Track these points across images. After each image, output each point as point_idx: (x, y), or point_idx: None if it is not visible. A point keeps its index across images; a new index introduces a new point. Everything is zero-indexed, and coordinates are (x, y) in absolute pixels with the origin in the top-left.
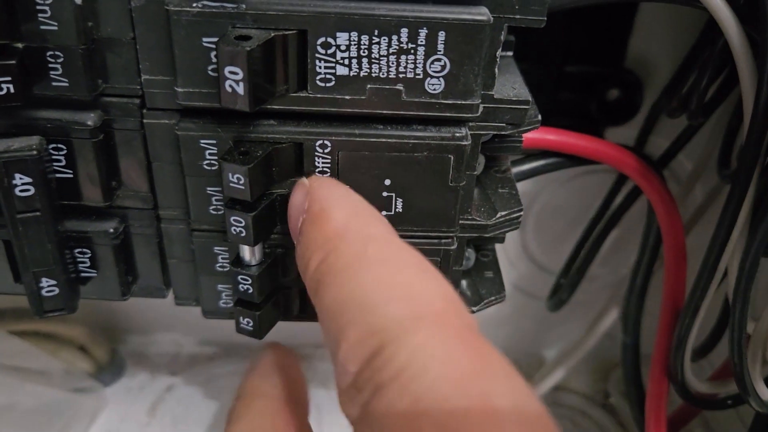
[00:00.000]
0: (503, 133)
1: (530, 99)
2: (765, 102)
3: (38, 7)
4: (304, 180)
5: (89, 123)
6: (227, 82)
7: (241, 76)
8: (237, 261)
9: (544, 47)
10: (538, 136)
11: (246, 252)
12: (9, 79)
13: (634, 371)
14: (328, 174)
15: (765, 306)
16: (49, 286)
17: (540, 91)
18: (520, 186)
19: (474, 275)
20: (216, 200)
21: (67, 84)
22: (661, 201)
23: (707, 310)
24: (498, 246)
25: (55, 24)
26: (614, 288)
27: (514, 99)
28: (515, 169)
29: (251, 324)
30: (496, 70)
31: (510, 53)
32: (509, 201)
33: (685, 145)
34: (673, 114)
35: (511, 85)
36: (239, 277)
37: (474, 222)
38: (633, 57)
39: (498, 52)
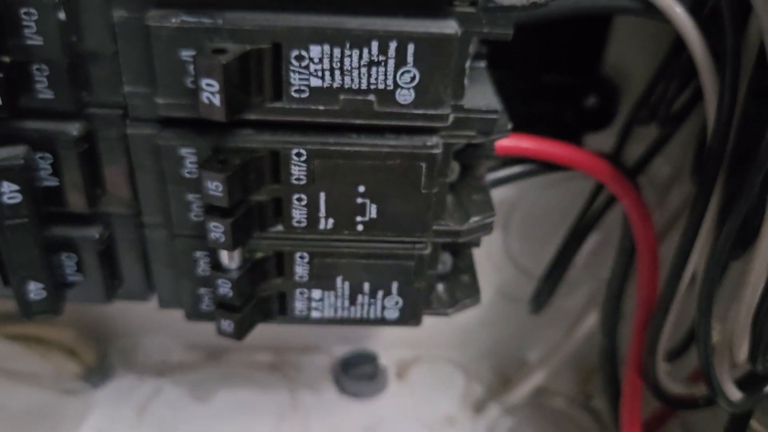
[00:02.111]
0: (475, 141)
1: (499, 108)
2: (727, 111)
3: (24, 23)
4: None
5: (74, 133)
6: (204, 94)
7: (217, 88)
8: (217, 266)
9: (522, 57)
10: (513, 143)
11: (225, 257)
12: None
13: (612, 373)
14: (304, 182)
15: (731, 308)
16: (36, 289)
17: (518, 100)
18: (502, 192)
19: (451, 279)
20: (196, 207)
21: (52, 96)
22: (633, 207)
23: (682, 312)
24: (481, 251)
25: (40, 39)
26: (595, 291)
27: (483, 108)
28: (492, 176)
29: (232, 327)
30: (466, 80)
31: (482, 64)
32: (482, 207)
33: (660, 152)
34: (644, 122)
35: (481, 95)
36: (219, 281)
37: (447, 228)
38: (610, 65)
39: (467, 64)
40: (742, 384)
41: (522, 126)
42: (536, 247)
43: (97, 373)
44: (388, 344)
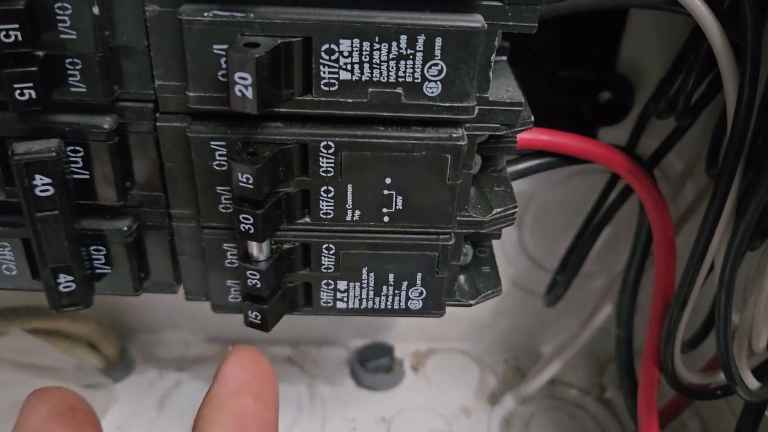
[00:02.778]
0: (498, 133)
1: (523, 101)
2: (747, 103)
3: (58, 18)
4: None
5: (105, 126)
6: (237, 87)
7: (250, 81)
8: (245, 257)
9: (539, 53)
10: (532, 136)
11: (254, 248)
12: (30, 85)
13: (628, 364)
14: (332, 174)
15: (750, 297)
16: (66, 281)
17: (535, 94)
18: (517, 185)
19: (472, 270)
20: (225, 199)
21: (84, 89)
22: (650, 198)
23: (697, 303)
24: (496, 244)
25: (74, 33)
26: (609, 284)
27: (507, 101)
28: (511, 169)
29: (259, 317)
30: (491, 74)
31: (504, 58)
32: (504, 198)
33: (675, 146)
34: (662, 116)
35: (505, 88)
36: (247, 272)
37: (471, 218)
38: (625, 61)
39: (492, 57)
40: (757, 373)
41: (539, 120)
42: (550, 241)
43: (119, 367)
44: (404, 337)
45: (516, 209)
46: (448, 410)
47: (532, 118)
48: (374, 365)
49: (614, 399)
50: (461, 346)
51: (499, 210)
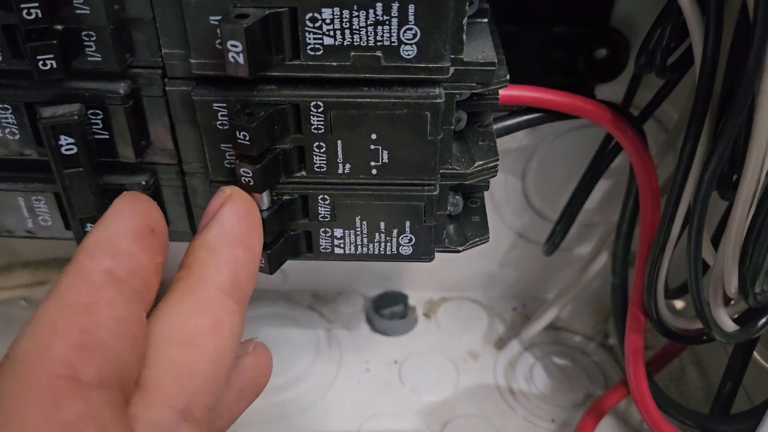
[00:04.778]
0: (476, 91)
1: (496, 61)
2: (711, 54)
3: None
4: (225, 189)
5: (120, 91)
6: (230, 54)
7: (240, 48)
8: None
9: (533, 10)
10: (518, 93)
11: (256, 198)
12: (51, 56)
13: (623, 311)
14: (323, 131)
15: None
16: None
17: (530, 51)
18: (519, 140)
19: (462, 220)
20: (229, 155)
21: (100, 58)
22: (634, 149)
23: (679, 249)
24: (501, 197)
25: (87, 8)
26: (608, 234)
27: (481, 61)
28: (500, 124)
29: (263, 261)
30: (464, 36)
31: (485, 20)
32: (487, 152)
33: (666, 99)
34: (642, 70)
35: (480, 49)
36: None
37: (454, 171)
38: (619, 16)
39: (464, 21)
40: (741, 319)
41: (535, 76)
42: (553, 192)
43: None
44: (418, 286)
45: (497, 162)
46: (457, 354)
47: (508, 77)
48: (389, 312)
49: (616, 345)
50: (472, 295)
51: (480, 163)
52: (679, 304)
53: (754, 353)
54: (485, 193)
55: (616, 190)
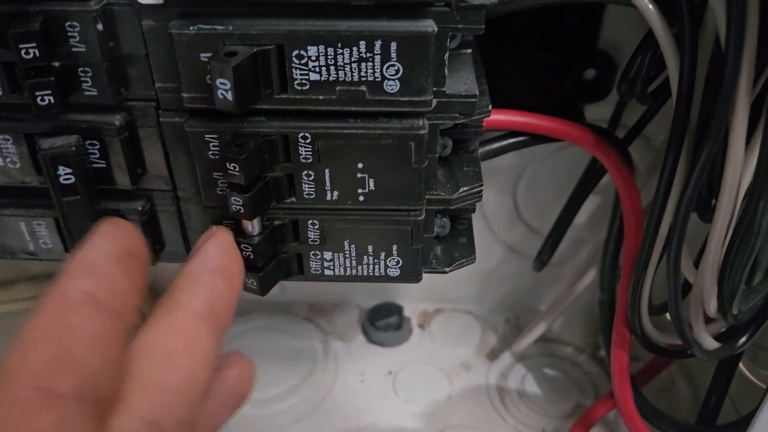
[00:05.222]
0: (459, 121)
1: (478, 92)
2: (687, 84)
3: (69, 34)
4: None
5: (116, 123)
6: (219, 91)
7: (229, 86)
8: (240, 232)
9: (521, 36)
10: (503, 117)
11: (246, 225)
12: (49, 92)
13: (611, 326)
14: (311, 160)
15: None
16: None
17: (519, 75)
18: (509, 158)
19: (449, 241)
20: (221, 183)
21: (96, 93)
22: (618, 173)
23: (662, 267)
24: (494, 212)
25: (83, 46)
26: (596, 250)
27: (463, 94)
28: (486, 148)
29: (255, 284)
30: (446, 70)
31: (468, 51)
32: (471, 178)
33: (649, 123)
34: (624, 97)
35: (463, 81)
36: (242, 246)
37: (439, 197)
38: (606, 39)
39: (445, 56)
40: (724, 336)
41: (523, 100)
42: (544, 208)
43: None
44: (413, 298)
45: (482, 187)
46: (450, 365)
47: (490, 107)
48: (384, 323)
49: (607, 357)
50: (466, 306)
51: (465, 189)
52: (666, 317)
53: (740, 365)
54: (477, 206)
55: (605, 206)
